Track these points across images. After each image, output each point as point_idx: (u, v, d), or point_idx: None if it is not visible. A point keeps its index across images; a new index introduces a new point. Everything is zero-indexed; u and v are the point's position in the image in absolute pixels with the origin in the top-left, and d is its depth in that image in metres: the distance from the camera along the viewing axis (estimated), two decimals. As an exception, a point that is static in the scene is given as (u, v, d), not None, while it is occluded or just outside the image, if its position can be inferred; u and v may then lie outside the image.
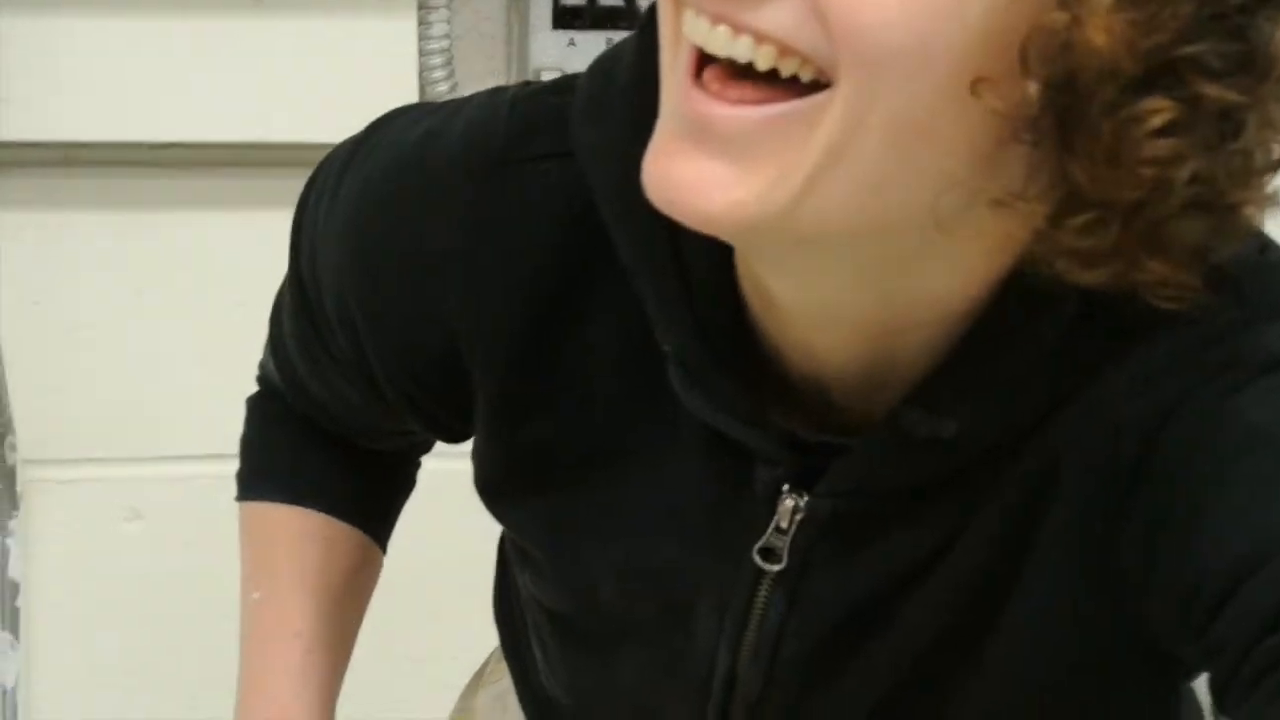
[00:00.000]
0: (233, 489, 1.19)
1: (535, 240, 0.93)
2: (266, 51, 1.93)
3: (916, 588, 0.93)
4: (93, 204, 1.97)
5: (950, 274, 0.83)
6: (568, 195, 0.91)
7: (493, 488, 1.02)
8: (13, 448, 1.97)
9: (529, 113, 0.94)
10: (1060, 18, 0.70)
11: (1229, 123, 0.74)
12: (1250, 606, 0.81)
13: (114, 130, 1.93)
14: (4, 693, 2.03)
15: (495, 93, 0.97)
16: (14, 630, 2.02)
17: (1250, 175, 0.75)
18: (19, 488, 1.99)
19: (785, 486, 0.91)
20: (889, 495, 0.91)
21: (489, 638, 1.22)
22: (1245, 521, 0.82)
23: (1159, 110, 0.72)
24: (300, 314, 1.07)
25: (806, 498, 0.91)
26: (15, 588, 2.01)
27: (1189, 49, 0.72)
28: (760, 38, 0.74)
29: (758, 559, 0.93)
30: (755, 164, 0.75)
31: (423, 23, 1.90)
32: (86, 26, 1.88)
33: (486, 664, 1.29)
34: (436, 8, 1.91)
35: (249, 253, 2.00)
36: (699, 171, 0.76)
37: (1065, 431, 0.88)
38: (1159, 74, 0.72)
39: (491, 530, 1.10)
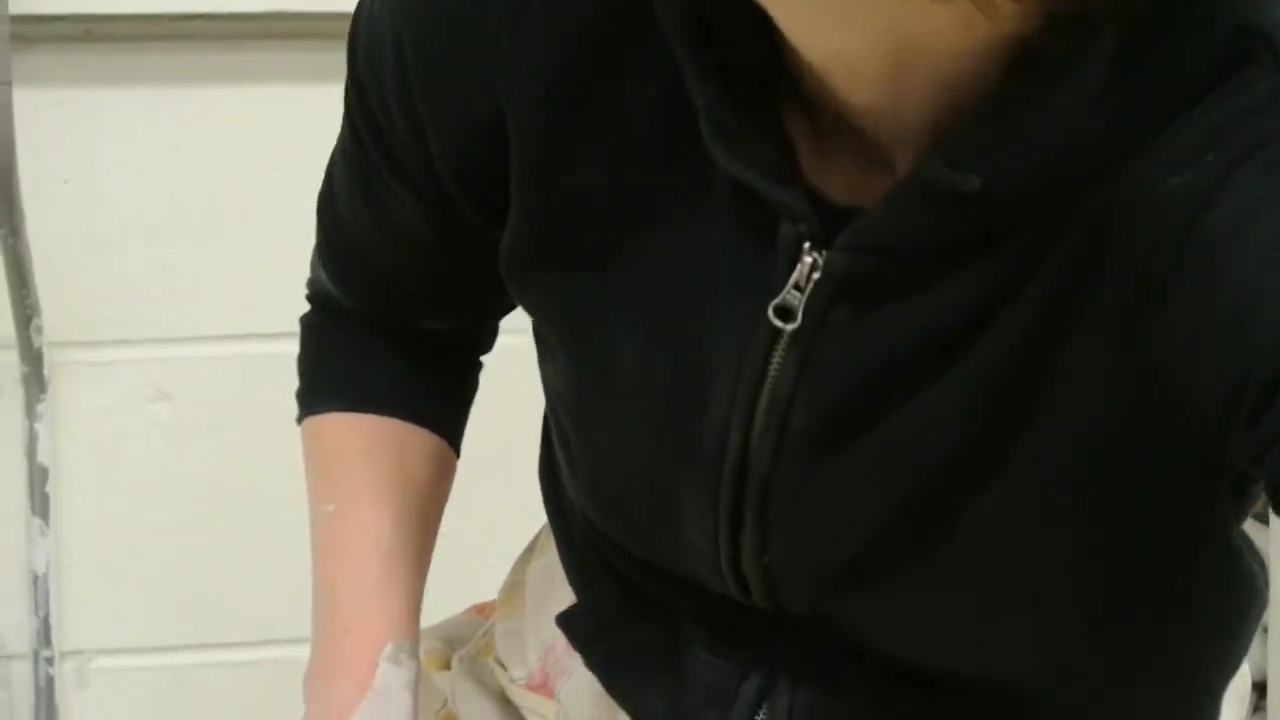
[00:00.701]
0: (262, 370, 1.16)
1: (566, 7, 0.95)
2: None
3: (938, 365, 0.90)
4: (115, 79, 1.93)
5: (944, 24, 0.82)
6: None
7: (520, 258, 1.00)
8: (39, 330, 1.94)
9: None
10: None
11: None
12: None
13: (135, 2, 1.89)
14: (36, 578, 2.01)
15: None
16: (44, 516, 2.00)
17: None
18: (46, 371, 1.96)
19: (806, 244, 0.90)
20: (909, 255, 0.89)
21: (539, 514, 1.19)
22: None
23: None
24: (355, 137, 1.05)
25: (825, 254, 0.90)
26: (45, 473, 1.99)
27: None
28: None
29: (772, 316, 0.91)
30: None
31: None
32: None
33: (537, 537, 1.26)
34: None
35: (274, 126, 1.97)
36: None
37: (1105, 205, 0.85)
38: None
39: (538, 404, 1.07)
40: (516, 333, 1.08)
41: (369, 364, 1.15)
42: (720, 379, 0.95)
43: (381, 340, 1.15)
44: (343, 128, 1.07)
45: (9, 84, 1.83)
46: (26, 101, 1.88)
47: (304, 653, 1.14)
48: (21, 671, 2.04)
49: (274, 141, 1.96)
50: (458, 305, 1.14)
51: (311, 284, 1.16)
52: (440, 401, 1.17)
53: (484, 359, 1.21)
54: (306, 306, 1.17)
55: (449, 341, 1.17)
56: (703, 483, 0.98)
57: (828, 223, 0.90)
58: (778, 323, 0.92)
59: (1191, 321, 0.83)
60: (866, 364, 0.92)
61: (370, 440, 1.14)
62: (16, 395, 1.98)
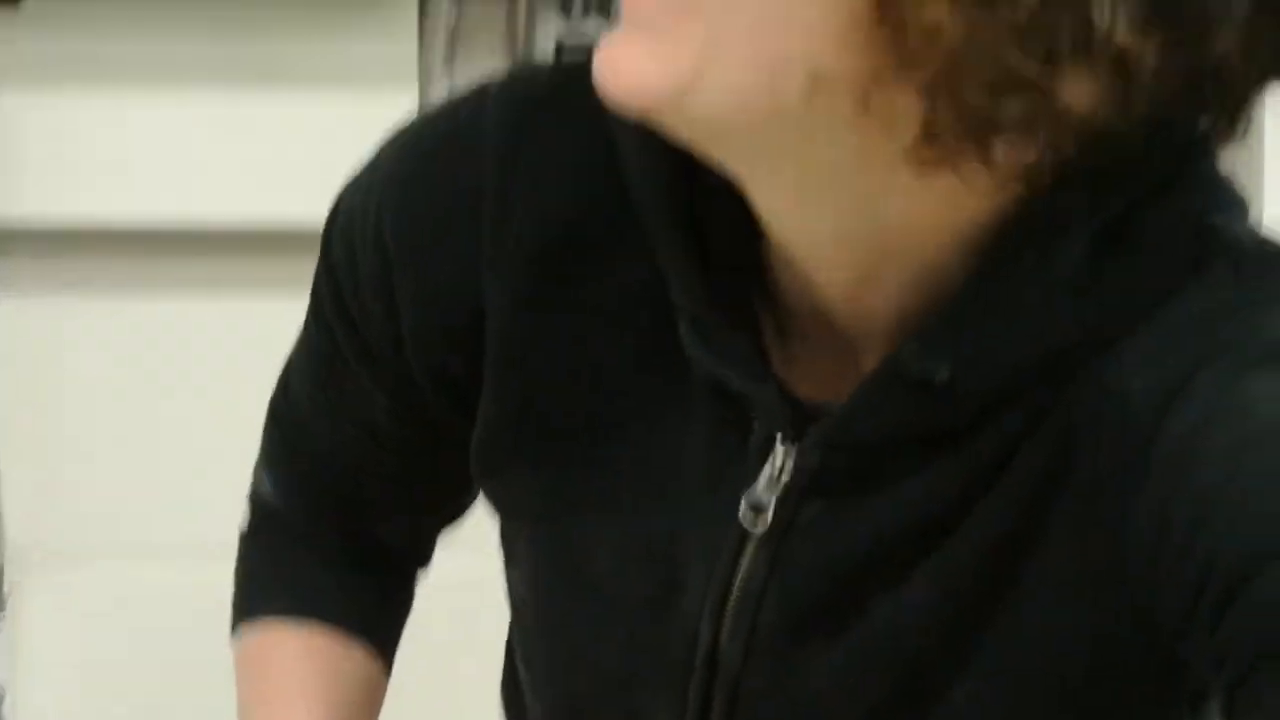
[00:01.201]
0: (223, 584, 1.16)
1: (559, 184, 0.97)
2: (265, 127, 1.93)
3: (907, 563, 0.91)
4: (89, 288, 1.95)
5: (923, 205, 0.84)
6: (592, 148, 0.95)
7: (491, 452, 1.00)
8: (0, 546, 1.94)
9: (558, 72, 1.00)
10: None
11: None
12: (1261, 603, 0.80)
13: (111, 215, 1.93)
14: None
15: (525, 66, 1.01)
16: (2, 729, 1.98)
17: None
18: (6, 588, 1.95)
19: (778, 436, 0.91)
20: (879, 450, 0.90)
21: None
22: (1255, 516, 0.81)
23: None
24: (322, 326, 1.05)
25: (796, 450, 0.90)
26: (1, 694, 1.98)
27: None
28: None
29: (743, 512, 0.92)
30: (658, 39, 0.83)
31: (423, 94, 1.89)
32: (83, 103, 1.89)
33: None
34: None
35: (247, 337, 1.99)
36: (621, 54, 0.84)
37: (1071, 404, 0.86)
38: None
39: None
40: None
41: (303, 573, 1.14)
42: (692, 578, 0.95)
43: (323, 549, 1.13)
44: (306, 321, 1.08)
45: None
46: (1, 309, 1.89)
47: None
48: None
49: (248, 353, 1.97)
50: (410, 505, 1.13)
51: (253, 496, 1.15)
52: (374, 613, 1.16)
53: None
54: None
55: (391, 552, 1.16)
56: (672, 683, 0.98)
57: (798, 419, 0.91)
58: (748, 524, 0.92)
59: (1154, 526, 0.84)
60: (836, 562, 0.92)
61: (306, 648, 1.12)
62: (-25, 611, 1.97)
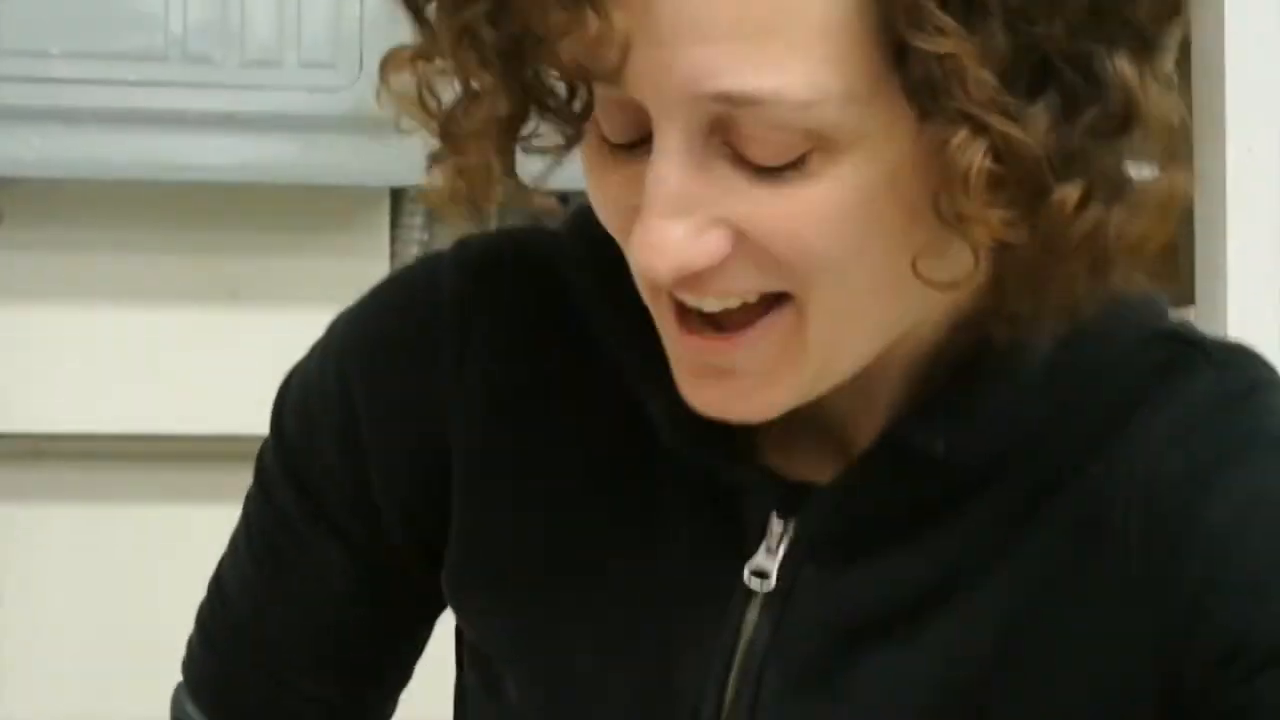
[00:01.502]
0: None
1: (516, 323, 1.00)
2: (239, 344, 1.96)
3: (908, 627, 0.94)
4: (61, 496, 1.96)
5: (929, 306, 0.91)
6: (544, 290, 1.00)
7: (465, 577, 1.02)
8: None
9: (505, 233, 1.03)
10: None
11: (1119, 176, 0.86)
12: None
13: (83, 422, 1.94)
14: None
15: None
16: None
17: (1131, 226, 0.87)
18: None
19: (774, 513, 0.94)
20: (878, 519, 0.94)
21: None
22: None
23: (1071, 195, 0.83)
24: (267, 504, 1.07)
25: (795, 519, 0.94)
26: None
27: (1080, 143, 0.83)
28: (727, 293, 0.87)
29: (747, 577, 0.95)
30: (769, 371, 0.88)
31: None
32: (56, 316, 1.92)
33: None
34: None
35: (220, 548, 1.99)
36: (731, 391, 0.89)
37: (1085, 485, 0.92)
38: (1062, 169, 0.83)
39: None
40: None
41: None
42: (689, 655, 0.97)
43: None
44: (245, 513, 1.09)
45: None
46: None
47: None
48: None
49: (213, 562, 1.98)
50: (353, 680, 1.12)
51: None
52: None
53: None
54: None
55: None
56: None
57: (789, 497, 0.94)
58: (754, 585, 0.95)
59: (1190, 603, 0.90)
60: (837, 623, 0.95)
61: None
62: None
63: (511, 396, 1.00)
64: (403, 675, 1.11)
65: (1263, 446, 0.91)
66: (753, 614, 0.95)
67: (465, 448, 1.01)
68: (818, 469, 0.94)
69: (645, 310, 0.92)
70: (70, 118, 1.78)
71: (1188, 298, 2.08)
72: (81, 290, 1.94)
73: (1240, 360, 0.95)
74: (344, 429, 1.04)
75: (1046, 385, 0.91)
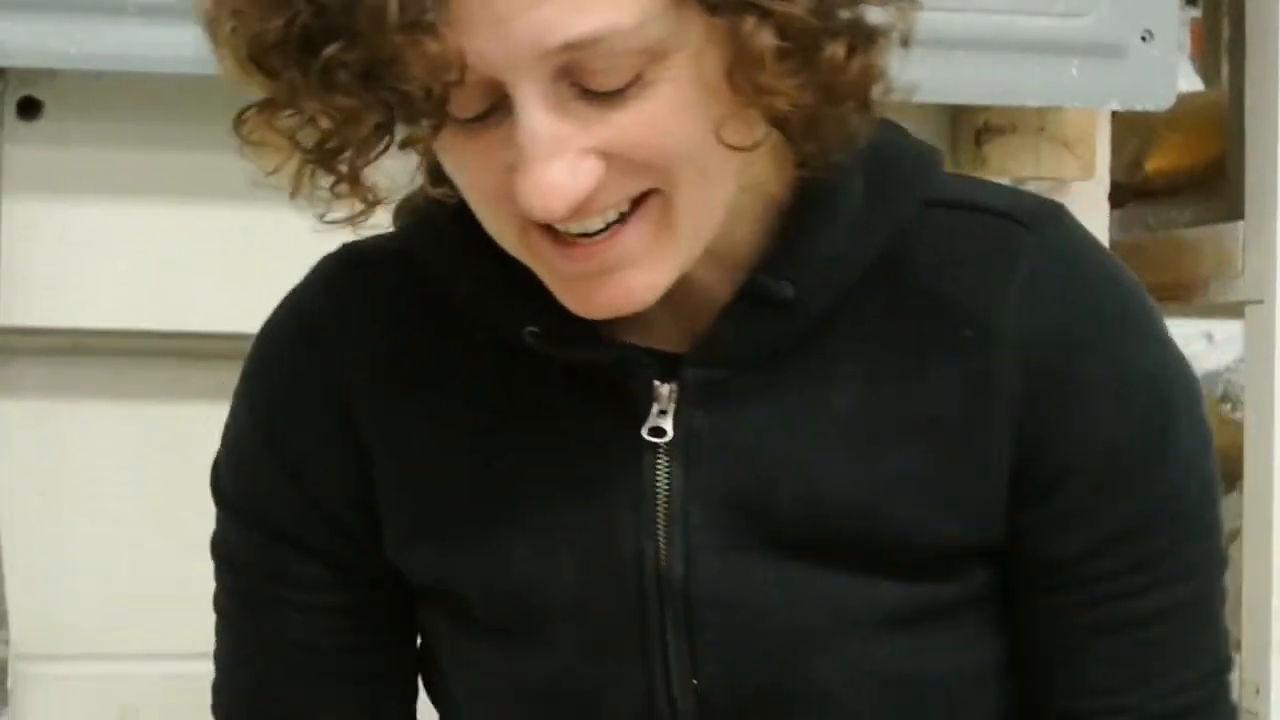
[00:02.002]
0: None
1: (390, 305, 1.16)
2: (282, 242, 1.95)
3: (794, 447, 1.10)
4: (96, 393, 1.95)
5: (751, 191, 1.08)
6: (406, 275, 1.15)
7: (407, 538, 1.16)
8: (5, 641, 1.91)
9: (358, 244, 1.17)
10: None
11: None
12: (1094, 513, 1.11)
13: (120, 318, 1.93)
14: None
15: None
16: None
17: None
18: (10, 683, 1.92)
19: (656, 380, 1.09)
20: (750, 361, 1.09)
21: None
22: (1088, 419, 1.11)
23: (839, 52, 1.00)
24: (234, 575, 1.23)
25: (676, 381, 1.09)
26: (0, 799, 1.93)
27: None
28: (606, 208, 1.00)
29: (646, 435, 1.09)
30: (647, 259, 1.02)
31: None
32: (95, 211, 1.90)
33: None
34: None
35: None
36: (616, 289, 1.03)
37: (897, 300, 1.10)
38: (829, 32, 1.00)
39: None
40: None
41: None
42: (621, 517, 1.11)
43: None
44: (219, 609, 1.25)
45: (-10, 393, 1.85)
46: (10, 411, 1.89)
47: None
48: None
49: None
50: (366, 697, 1.24)
51: None
52: None
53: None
54: None
55: None
56: (628, 609, 1.11)
57: (666, 365, 1.10)
58: (652, 439, 1.10)
59: (1034, 436, 1.10)
60: (736, 459, 1.10)
61: None
62: (-21, 704, 1.93)
63: (398, 366, 1.15)
64: (411, 682, 1.25)
65: (1105, 301, 1.11)
66: (663, 467, 1.10)
67: (369, 420, 1.16)
68: (679, 342, 1.10)
69: (491, 267, 1.07)
70: (113, 9, 1.76)
71: (1237, 212, 2.07)
72: (121, 185, 1.92)
73: (1042, 219, 1.13)
74: (274, 454, 1.19)
75: (872, 230, 1.09)
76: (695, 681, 1.11)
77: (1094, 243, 1.15)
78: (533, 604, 1.13)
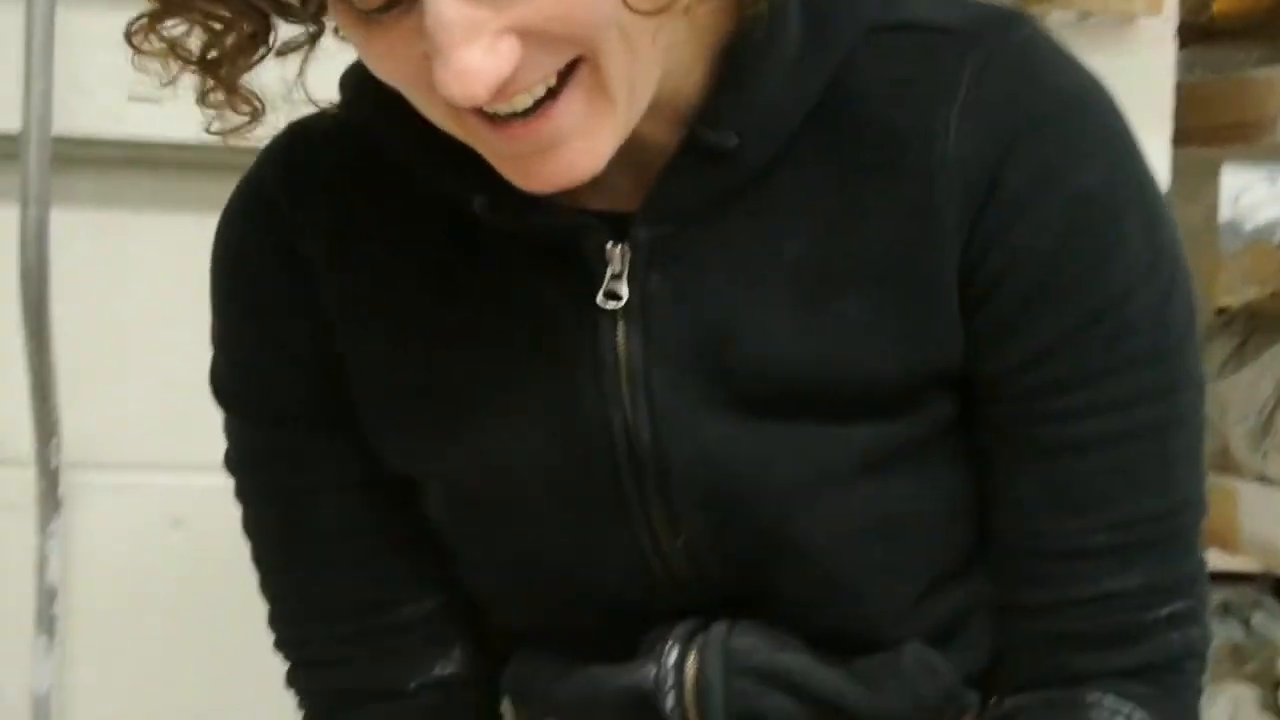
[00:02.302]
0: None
1: (335, 178, 1.16)
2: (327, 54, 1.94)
3: (750, 300, 1.08)
4: (154, 204, 1.95)
5: (687, 43, 1.05)
6: (353, 148, 1.14)
7: (381, 424, 1.16)
8: (57, 450, 1.93)
9: (304, 122, 1.17)
10: None
11: None
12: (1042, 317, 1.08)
13: (179, 130, 1.92)
14: (36, 698, 1.96)
15: None
16: (50, 635, 1.96)
17: None
18: (61, 491, 1.94)
19: (608, 243, 1.08)
20: (698, 214, 1.08)
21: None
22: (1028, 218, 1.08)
23: None
24: (267, 461, 1.22)
25: (626, 241, 1.07)
26: (53, 593, 1.95)
27: None
28: (532, 85, 0.97)
29: (602, 301, 1.08)
30: (586, 128, 0.99)
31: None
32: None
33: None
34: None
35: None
36: (559, 162, 1.00)
37: (846, 140, 1.07)
38: None
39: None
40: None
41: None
42: (585, 390, 1.09)
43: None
44: (247, 517, 1.25)
45: (48, 204, 1.86)
46: (63, 222, 1.90)
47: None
48: (16, 800, 1.97)
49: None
50: (421, 578, 1.24)
51: (290, 685, 1.29)
52: None
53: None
54: None
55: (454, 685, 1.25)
56: (604, 473, 1.10)
57: (616, 227, 1.08)
58: (608, 304, 1.08)
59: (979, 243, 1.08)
60: (695, 317, 1.08)
61: None
62: (30, 514, 1.95)
63: (350, 242, 1.14)
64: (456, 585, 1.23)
65: (1048, 112, 1.07)
66: (621, 331, 1.08)
67: (329, 294, 1.15)
68: (627, 202, 1.08)
69: (437, 136, 1.03)
70: None
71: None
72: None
73: (990, 32, 1.09)
74: (258, 332, 1.19)
75: (811, 69, 1.06)
76: (681, 540, 1.11)
77: (1050, 52, 1.10)
78: (508, 481, 1.13)
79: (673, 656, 1.14)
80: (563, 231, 1.08)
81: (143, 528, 1.94)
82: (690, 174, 1.07)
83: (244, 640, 1.89)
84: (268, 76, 1.05)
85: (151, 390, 1.96)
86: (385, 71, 1.00)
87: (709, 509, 1.10)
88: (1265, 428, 2.16)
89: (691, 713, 1.14)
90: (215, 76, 1.01)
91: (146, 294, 1.95)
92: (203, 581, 1.98)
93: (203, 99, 1.04)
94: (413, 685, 1.23)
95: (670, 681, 1.14)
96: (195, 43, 1.01)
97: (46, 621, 1.92)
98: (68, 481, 1.92)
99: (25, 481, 1.91)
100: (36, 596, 1.91)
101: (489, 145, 1.01)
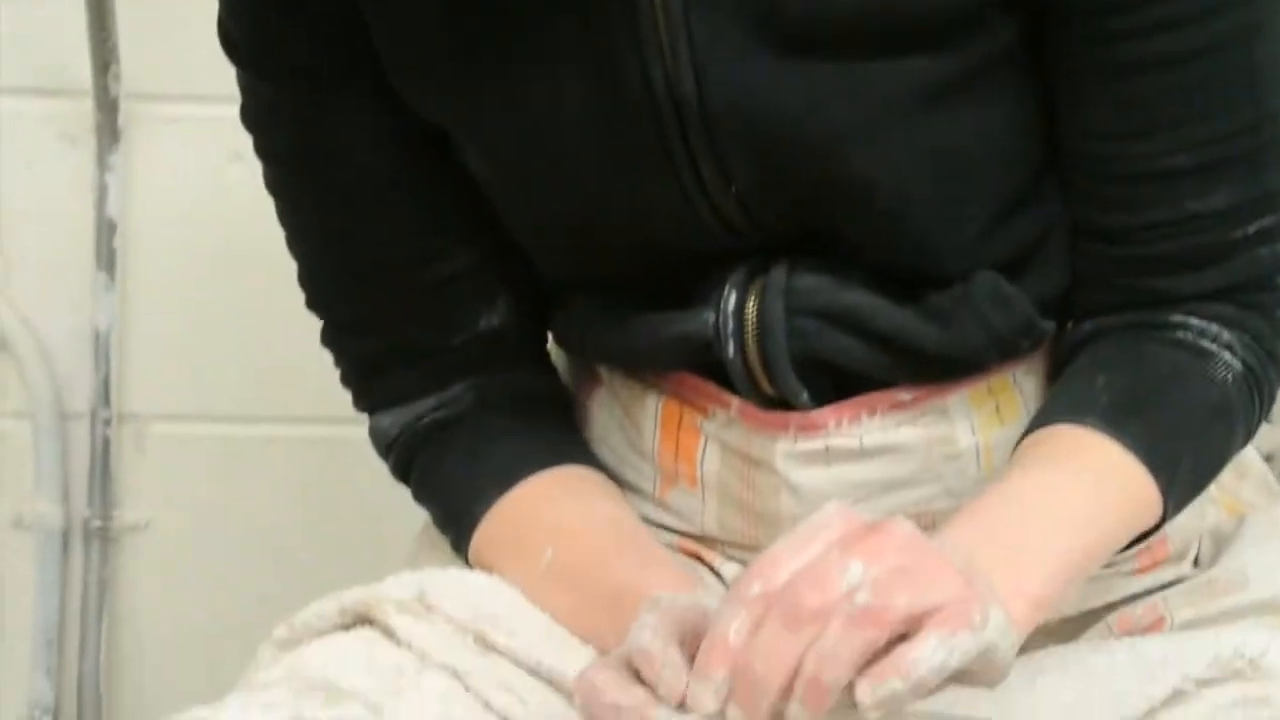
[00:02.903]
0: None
1: None
2: None
3: None
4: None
5: None
6: None
7: (406, 80, 1.13)
8: (116, 78, 1.88)
9: None
10: None
11: None
12: None
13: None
14: (98, 335, 1.94)
15: None
16: (110, 271, 1.93)
17: None
18: (120, 121, 1.90)
19: None
20: None
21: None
22: None
23: None
24: (278, 110, 1.17)
25: None
26: (113, 227, 1.92)
27: None
28: None
29: None
30: None
31: None
32: None
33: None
34: None
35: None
36: None
37: None
38: None
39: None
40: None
41: (485, 450, 1.19)
42: (615, 29, 1.05)
43: (465, 433, 1.20)
44: (271, 182, 1.21)
45: None
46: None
47: (360, 432, 1.24)
48: (79, 432, 1.97)
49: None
50: (467, 241, 1.20)
51: (375, 434, 1.24)
52: (557, 433, 1.22)
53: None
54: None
55: (535, 391, 1.23)
56: (647, 137, 1.07)
57: None
58: None
59: None
60: None
61: (545, 493, 1.17)
62: (89, 145, 1.91)
63: None
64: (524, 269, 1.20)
65: None
66: None
67: None
68: None
69: None
70: None
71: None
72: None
73: None
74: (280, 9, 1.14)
75: None
76: (733, 189, 1.09)
77: None
78: (548, 143, 1.10)
79: (732, 301, 1.12)
80: None
81: (205, 161, 1.88)
82: None
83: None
84: None
85: (212, 20, 1.89)
86: None
87: (761, 155, 1.07)
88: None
89: (754, 358, 1.12)
90: None
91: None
92: (263, 219, 1.92)
93: None
94: (457, 341, 1.20)
95: (731, 327, 1.12)
96: None
97: (107, 257, 1.89)
98: (126, 111, 1.87)
99: (83, 112, 1.87)
100: (95, 232, 1.88)
101: None
